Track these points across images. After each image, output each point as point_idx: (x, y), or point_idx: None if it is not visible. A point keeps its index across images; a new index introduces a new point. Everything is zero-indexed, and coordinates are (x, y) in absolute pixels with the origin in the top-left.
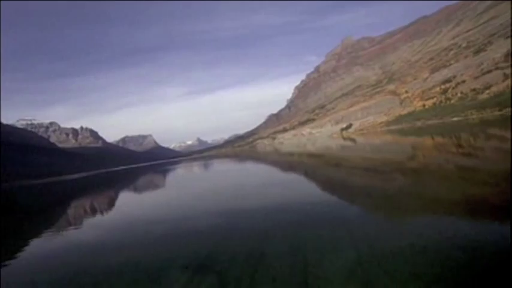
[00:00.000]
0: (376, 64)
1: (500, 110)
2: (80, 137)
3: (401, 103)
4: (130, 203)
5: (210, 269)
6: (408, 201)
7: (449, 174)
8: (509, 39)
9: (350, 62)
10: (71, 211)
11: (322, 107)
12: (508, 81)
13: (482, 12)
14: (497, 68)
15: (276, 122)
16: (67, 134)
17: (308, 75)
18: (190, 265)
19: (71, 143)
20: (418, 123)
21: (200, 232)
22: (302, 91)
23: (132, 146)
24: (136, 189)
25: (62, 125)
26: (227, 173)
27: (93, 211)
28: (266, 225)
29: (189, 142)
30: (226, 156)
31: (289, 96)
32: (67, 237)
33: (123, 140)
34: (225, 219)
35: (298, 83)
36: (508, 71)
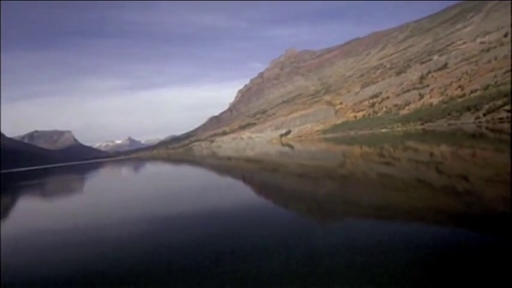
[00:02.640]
0: (315, 75)
1: (421, 124)
2: None
3: (336, 113)
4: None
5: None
6: (335, 205)
7: (370, 181)
8: (423, 65)
9: (292, 71)
10: None
11: (264, 112)
12: (423, 100)
13: (401, 40)
14: (414, 88)
15: (216, 124)
16: None
17: (252, 80)
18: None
19: None
20: (351, 133)
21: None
22: (245, 95)
23: (42, 143)
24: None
25: None
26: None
27: None
28: (195, 234)
29: (118, 141)
30: (155, 158)
31: (231, 100)
32: None
33: (31, 135)
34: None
35: (241, 87)
36: (422, 91)
